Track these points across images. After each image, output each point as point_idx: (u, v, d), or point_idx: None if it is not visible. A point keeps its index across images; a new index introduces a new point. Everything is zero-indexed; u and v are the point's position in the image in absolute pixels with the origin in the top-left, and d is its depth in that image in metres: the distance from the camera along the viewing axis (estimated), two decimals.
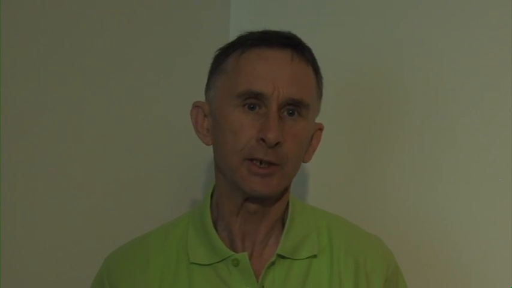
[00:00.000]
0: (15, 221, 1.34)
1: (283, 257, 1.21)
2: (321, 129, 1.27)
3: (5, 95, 1.31)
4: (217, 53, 1.25)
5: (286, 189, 1.24)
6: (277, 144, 1.15)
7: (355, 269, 1.23)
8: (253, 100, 1.17)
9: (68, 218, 1.43)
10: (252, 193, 1.18)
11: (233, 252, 1.21)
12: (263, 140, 1.15)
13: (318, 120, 1.27)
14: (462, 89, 1.48)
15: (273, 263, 1.20)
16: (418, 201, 1.52)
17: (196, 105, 1.25)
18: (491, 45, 1.44)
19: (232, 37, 1.25)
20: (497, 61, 1.43)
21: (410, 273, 1.33)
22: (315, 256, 1.22)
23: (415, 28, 1.54)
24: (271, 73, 1.17)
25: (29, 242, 1.37)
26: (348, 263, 1.23)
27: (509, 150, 1.41)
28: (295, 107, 1.18)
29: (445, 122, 1.50)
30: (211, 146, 1.24)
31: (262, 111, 1.17)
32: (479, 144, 1.45)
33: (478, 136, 1.46)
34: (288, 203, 1.26)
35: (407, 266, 1.33)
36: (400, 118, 1.56)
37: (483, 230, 1.44)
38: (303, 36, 1.24)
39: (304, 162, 1.25)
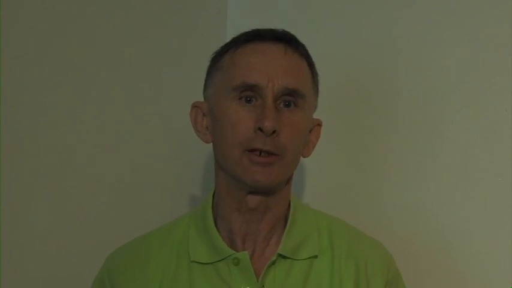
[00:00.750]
0: (15, 221, 1.34)
1: (284, 257, 1.21)
2: (319, 124, 1.28)
3: (5, 95, 1.31)
4: (213, 55, 1.27)
5: (286, 185, 1.24)
6: (274, 132, 1.16)
7: (355, 272, 1.23)
8: (249, 92, 1.19)
9: (66, 217, 1.43)
10: (254, 184, 1.18)
11: (234, 251, 1.21)
12: (260, 129, 1.16)
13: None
14: (458, 88, 1.47)
15: (273, 263, 1.20)
16: (414, 201, 1.51)
17: (195, 106, 1.27)
18: (488, 44, 1.44)
19: (229, 38, 1.26)
20: (494, 60, 1.43)
21: (406, 274, 1.32)
22: (315, 257, 1.23)
23: (411, 26, 1.54)
24: (265, 65, 1.19)
25: (28, 242, 1.37)
26: (348, 265, 1.23)
27: (506, 150, 1.41)
28: (291, 98, 1.19)
29: (441, 121, 1.49)
30: (211, 144, 1.25)
31: (258, 103, 1.18)
32: (475, 143, 1.45)
33: (474, 135, 1.45)
34: (289, 202, 1.26)
35: (404, 266, 1.32)
36: (395, 117, 1.55)
37: (480, 230, 1.44)
38: (300, 35, 1.24)
39: (303, 156, 1.25)
